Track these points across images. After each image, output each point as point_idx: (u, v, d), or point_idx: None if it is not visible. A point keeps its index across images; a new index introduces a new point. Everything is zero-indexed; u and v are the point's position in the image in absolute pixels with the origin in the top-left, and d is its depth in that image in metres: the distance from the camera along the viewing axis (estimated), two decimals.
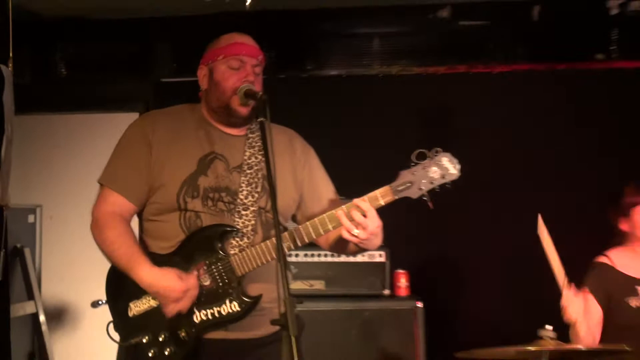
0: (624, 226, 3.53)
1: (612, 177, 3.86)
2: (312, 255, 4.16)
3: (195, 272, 2.37)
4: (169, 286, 2.27)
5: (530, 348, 2.85)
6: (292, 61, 4.83)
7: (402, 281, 4.18)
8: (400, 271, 4.21)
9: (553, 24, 4.64)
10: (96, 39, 4.58)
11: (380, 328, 4.07)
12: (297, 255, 4.14)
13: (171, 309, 2.28)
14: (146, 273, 2.30)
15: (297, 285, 4.10)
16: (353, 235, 2.27)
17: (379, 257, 4.15)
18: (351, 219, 2.27)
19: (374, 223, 2.28)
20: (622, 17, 4.54)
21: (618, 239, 3.58)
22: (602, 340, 3.47)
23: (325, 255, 4.15)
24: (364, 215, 2.27)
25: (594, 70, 4.68)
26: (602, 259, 3.54)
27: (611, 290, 3.47)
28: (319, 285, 4.17)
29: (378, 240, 2.40)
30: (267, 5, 4.41)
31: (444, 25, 4.67)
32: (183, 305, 2.29)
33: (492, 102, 4.68)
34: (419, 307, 4.04)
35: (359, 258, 4.11)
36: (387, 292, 4.15)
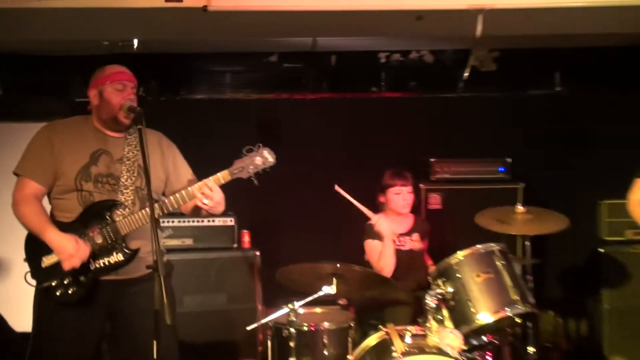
0: (382, 199, 4.01)
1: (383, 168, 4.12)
2: (184, 221, 4.38)
3: (89, 239, 2.49)
4: (66, 247, 2.42)
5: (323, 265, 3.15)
6: (170, 88, 5.02)
7: (246, 238, 4.54)
8: (244, 231, 4.55)
9: (345, 67, 5.06)
10: (28, 69, 4.63)
11: (231, 270, 4.41)
12: (172, 222, 4.34)
13: (67, 264, 2.42)
14: (52, 236, 2.45)
15: (172, 242, 4.31)
16: (204, 204, 2.54)
17: (230, 222, 4.46)
18: (202, 193, 2.52)
19: (218, 196, 2.56)
20: (387, 64, 5.03)
21: (380, 207, 4.03)
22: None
23: (193, 221, 4.39)
24: (211, 190, 2.53)
25: (371, 98, 5.17)
26: (367, 225, 3.93)
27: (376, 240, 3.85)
28: (188, 241, 4.41)
29: (222, 207, 2.66)
30: (151, 49, 4.61)
31: (274, 66, 5.03)
32: (74, 263, 2.42)
33: (305, 119, 5.06)
34: (257, 255, 4.43)
35: (216, 222, 4.43)
36: (235, 245, 4.47)
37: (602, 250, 4.42)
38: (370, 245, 3.91)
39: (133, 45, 4.32)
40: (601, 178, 4.56)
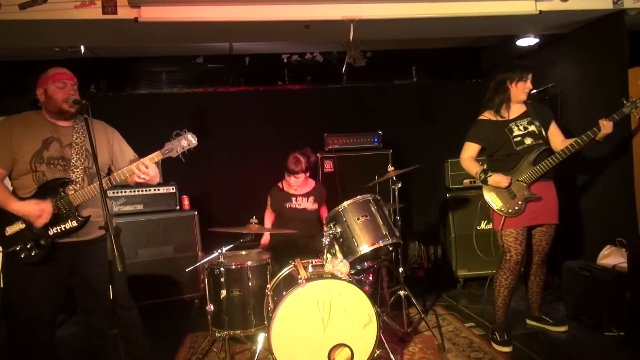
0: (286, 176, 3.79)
1: (288, 143, 4.08)
2: (134, 191, 4.24)
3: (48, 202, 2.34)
4: (32, 210, 2.31)
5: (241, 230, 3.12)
6: (117, 85, 4.82)
7: (186, 201, 4.43)
8: (185, 196, 4.44)
9: (256, 66, 4.97)
10: None
11: (175, 228, 4.30)
12: (125, 192, 4.22)
13: (38, 223, 2.31)
14: (16, 205, 2.32)
15: (126, 208, 4.22)
16: (141, 178, 2.46)
17: (172, 189, 4.34)
18: (140, 170, 2.43)
19: (153, 171, 2.47)
20: (289, 63, 5.03)
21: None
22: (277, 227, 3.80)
23: (142, 190, 4.26)
24: (147, 167, 2.44)
25: (278, 90, 5.08)
26: (275, 186, 3.92)
27: (278, 200, 3.85)
28: (139, 207, 4.27)
29: (157, 179, 2.57)
30: (98, 54, 4.45)
31: (200, 66, 4.93)
32: (44, 219, 2.31)
33: (227, 107, 4.95)
34: (195, 214, 4.33)
35: (162, 190, 4.31)
36: (177, 207, 4.35)
37: (448, 195, 4.55)
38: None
39: (80, 50, 4.02)
40: (445, 143, 4.45)
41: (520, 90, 3.07)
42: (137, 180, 2.49)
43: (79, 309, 4.12)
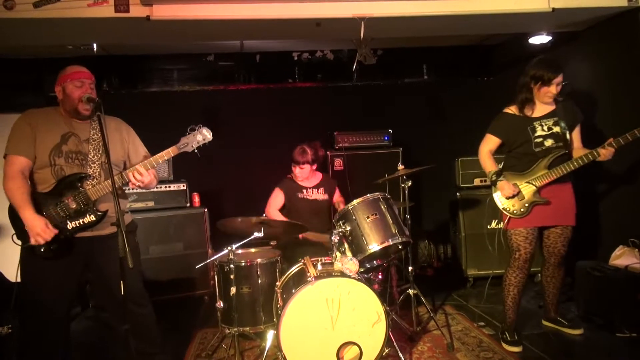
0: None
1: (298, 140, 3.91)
2: (147, 188, 4.43)
3: (64, 205, 2.37)
4: (35, 227, 2.28)
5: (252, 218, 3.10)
6: (129, 83, 4.85)
7: (196, 198, 4.44)
8: (195, 193, 4.45)
9: (267, 64, 4.95)
10: (8, 70, 4.36)
11: (185, 224, 4.32)
12: (136, 189, 3.84)
13: (32, 240, 2.29)
14: (26, 215, 2.29)
15: (138, 205, 4.23)
16: (135, 185, 2.48)
17: (183, 186, 4.35)
18: (134, 176, 2.45)
19: (147, 178, 2.49)
20: (299, 61, 5.03)
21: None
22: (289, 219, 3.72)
23: (155, 188, 3.81)
24: (141, 174, 2.46)
25: (288, 88, 5.08)
26: (286, 177, 3.89)
27: (290, 190, 3.83)
28: (150, 204, 4.29)
29: (154, 183, 2.62)
30: (111, 52, 4.47)
31: (211, 64, 4.94)
32: (39, 241, 2.29)
33: (238, 105, 4.96)
34: (205, 211, 4.35)
35: (172, 187, 4.33)
36: (188, 205, 4.37)
37: (458, 194, 4.52)
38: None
39: (93, 48, 4.04)
40: (456, 142, 4.58)
41: (543, 94, 2.97)
42: (131, 187, 2.52)
43: (90, 303, 4.16)
